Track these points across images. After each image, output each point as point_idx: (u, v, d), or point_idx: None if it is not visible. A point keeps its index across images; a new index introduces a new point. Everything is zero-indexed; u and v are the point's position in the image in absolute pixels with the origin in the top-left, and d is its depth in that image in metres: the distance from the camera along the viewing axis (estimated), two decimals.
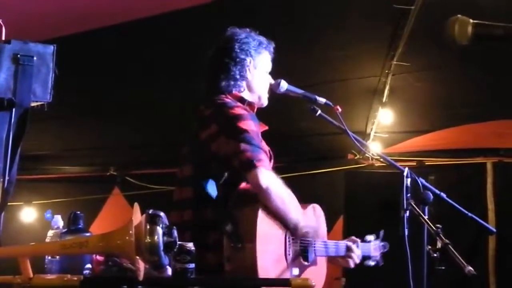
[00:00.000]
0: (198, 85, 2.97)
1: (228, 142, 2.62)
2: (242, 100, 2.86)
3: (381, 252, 3.42)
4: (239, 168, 2.58)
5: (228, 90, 2.86)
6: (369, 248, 3.35)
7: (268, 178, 2.54)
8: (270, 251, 2.57)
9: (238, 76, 2.87)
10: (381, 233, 3.39)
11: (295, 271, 2.75)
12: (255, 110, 2.91)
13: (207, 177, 2.68)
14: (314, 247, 2.92)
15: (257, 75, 2.95)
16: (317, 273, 2.94)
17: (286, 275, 2.65)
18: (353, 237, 3.26)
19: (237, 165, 2.58)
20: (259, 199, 2.56)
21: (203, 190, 2.65)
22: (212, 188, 2.65)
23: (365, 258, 3.31)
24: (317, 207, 3.07)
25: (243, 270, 2.46)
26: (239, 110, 2.72)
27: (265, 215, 2.56)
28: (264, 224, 2.54)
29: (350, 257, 3.17)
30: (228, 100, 2.79)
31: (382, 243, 3.41)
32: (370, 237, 3.37)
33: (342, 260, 3.20)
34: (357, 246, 3.22)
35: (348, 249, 3.17)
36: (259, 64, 2.95)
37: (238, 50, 2.88)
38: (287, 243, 2.70)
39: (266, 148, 2.76)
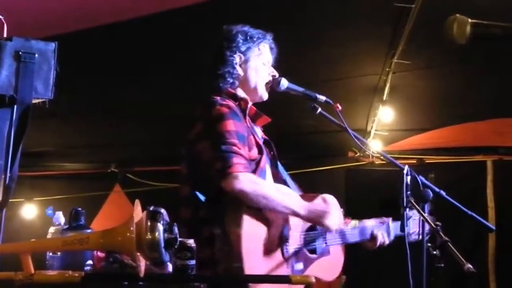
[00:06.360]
0: (199, 83, 2.99)
1: (209, 148, 2.63)
2: (234, 97, 2.87)
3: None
4: (215, 178, 2.56)
5: (221, 88, 2.89)
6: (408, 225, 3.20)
7: (240, 182, 2.50)
8: (259, 250, 2.55)
9: (228, 74, 2.89)
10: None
11: (299, 266, 2.74)
12: (249, 105, 2.90)
13: (199, 177, 2.72)
14: (324, 237, 2.91)
15: (251, 69, 2.95)
16: (329, 264, 2.93)
17: (284, 273, 2.63)
18: (384, 218, 3.21)
19: (213, 175, 2.57)
20: None
21: (193, 192, 2.67)
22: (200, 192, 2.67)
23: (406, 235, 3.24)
24: (327, 197, 2.96)
25: (233, 271, 2.45)
26: (222, 109, 2.71)
27: (250, 216, 2.55)
28: (251, 225, 2.53)
29: (375, 240, 3.15)
30: (217, 98, 2.79)
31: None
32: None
33: (369, 243, 3.17)
34: (386, 228, 3.19)
35: (372, 236, 3.15)
36: (252, 58, 2.95)
37: (226, 48, 2.91)
38: (284, 240, 2.69)
39: (254, 142, 2.76)
